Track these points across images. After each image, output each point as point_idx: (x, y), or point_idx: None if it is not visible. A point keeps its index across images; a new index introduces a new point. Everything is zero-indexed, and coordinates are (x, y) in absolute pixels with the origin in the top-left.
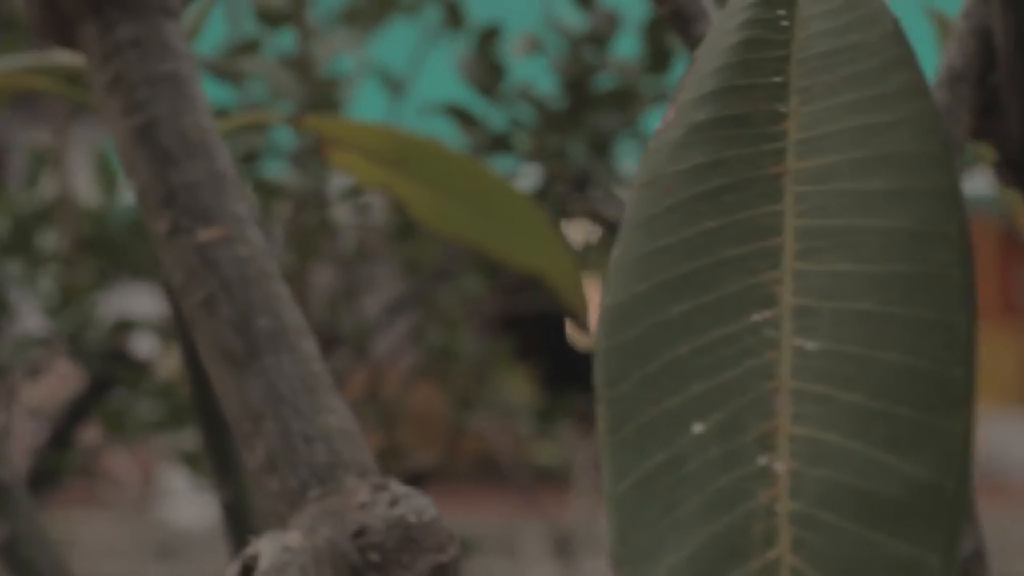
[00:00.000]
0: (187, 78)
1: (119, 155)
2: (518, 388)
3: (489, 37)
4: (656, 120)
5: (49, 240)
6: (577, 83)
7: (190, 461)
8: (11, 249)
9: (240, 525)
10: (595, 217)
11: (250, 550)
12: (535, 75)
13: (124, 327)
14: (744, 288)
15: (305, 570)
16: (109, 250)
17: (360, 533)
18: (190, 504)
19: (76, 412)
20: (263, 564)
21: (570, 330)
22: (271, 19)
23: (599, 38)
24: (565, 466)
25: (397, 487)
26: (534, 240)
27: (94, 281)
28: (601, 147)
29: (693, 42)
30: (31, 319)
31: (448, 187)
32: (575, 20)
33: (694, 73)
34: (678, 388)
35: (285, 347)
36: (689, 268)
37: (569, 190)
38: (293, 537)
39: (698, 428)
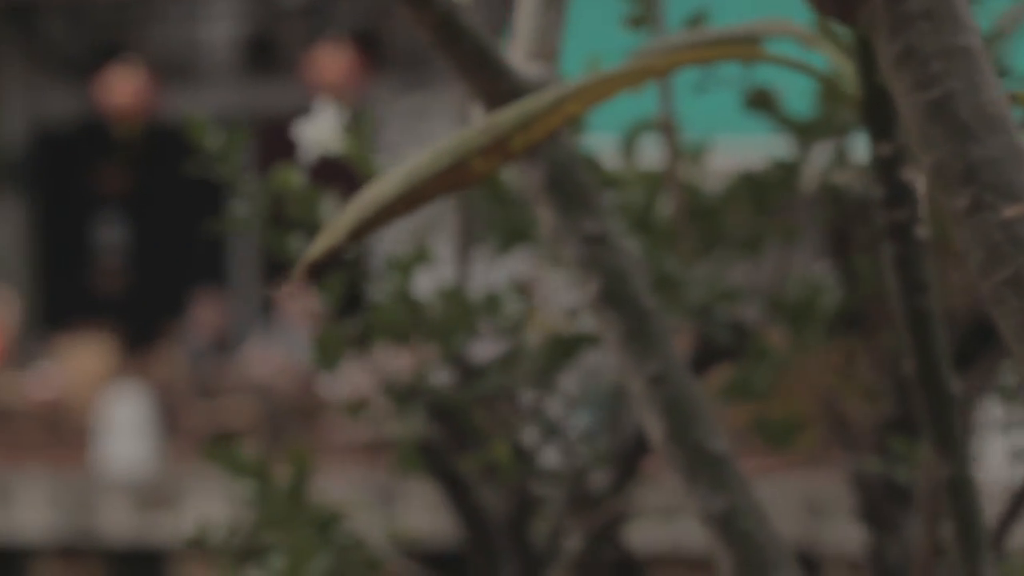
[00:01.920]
0: (978, 51)
1: (910, 128)
2: None
3: None
4: None
5: (664, 211)
6: None
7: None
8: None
9: (961, 499)
10: None
11: None
12: None
13: (733, 296)
14: None
15: None
16: (709, 221)
17: None
18: None
19: None
20: None
21: None
22: None
23: None
24: None
25: None
26: None
27: (702, 251)
28: None
29: None
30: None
31: None
32: None
33: None
34: None
35: None
36: None
37: None
38: None
39: None
